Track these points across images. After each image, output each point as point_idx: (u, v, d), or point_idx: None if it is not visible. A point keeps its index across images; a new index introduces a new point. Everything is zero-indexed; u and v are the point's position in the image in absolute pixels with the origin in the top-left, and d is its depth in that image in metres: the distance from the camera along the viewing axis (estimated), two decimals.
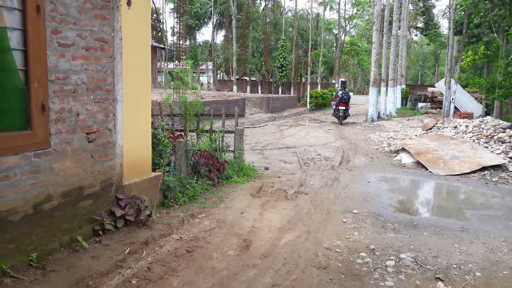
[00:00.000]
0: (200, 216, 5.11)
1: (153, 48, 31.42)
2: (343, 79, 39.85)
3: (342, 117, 18.50)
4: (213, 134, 7.54)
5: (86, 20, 3.96)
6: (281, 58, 35.98)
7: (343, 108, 18.22)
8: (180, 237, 4.37)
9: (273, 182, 7.19)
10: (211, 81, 44.43)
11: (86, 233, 4.08)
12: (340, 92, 18.29)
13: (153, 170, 5.30)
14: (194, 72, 39.87)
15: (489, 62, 22.40)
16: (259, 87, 39.38)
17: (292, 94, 33.50)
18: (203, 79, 53.04)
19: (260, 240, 4.44)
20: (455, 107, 20.86)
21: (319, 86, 35.74)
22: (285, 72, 36.97)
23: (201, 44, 50.20)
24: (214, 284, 3.44)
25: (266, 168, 8.49)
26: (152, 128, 5.54)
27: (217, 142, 7.33)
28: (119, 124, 4.48)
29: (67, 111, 3.82)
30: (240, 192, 6.39)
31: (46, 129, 3.62)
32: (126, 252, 3.91)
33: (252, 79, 43.14)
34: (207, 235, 4.50)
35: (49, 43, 3.58)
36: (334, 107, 18.85)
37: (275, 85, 39.44)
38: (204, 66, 50.51)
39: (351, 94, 16.40)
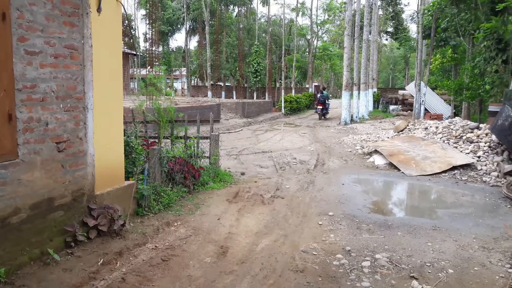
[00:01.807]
0: (175, 224, 5.06)
1: (125, 55, 30.99)
2: (316, 84, 40.44)
3: (320, 114, 23.79)
4: (188, 140, 7.49)
5: (54, 27, 3.87)
6: (255, 63, 36.11)
7: (321, 107, 23.67)
8: (155, 246, 4.31)
9: (249, 187, 7.19)
10: (185, 87, 44.17)
11: (57, 246, 3.96)
12: (319, 95, 24.24)
13: (127, 178, 5.21)
14: (167, 78, 39.52)
15: (456, 65, 23.12)
16: (234, 92, 39.38)
17: (267, 99, 33.66)
18: (177, 85, 52.66)
19: (237, 246, 4.42)
20: (425, 109, 21.40)
21: (293, 91, 36.06)
22: (259, 77, 37.11)
23: (174, 50, 49.82)
24: None
25: (243, 173, 8.49)
26: (125, 135, 5.46)
27: (192, 148, 7.28)
28: (90, 133, 4.39)
29: (35, 120, 3.72)
30: (217, 198, 6.36)
31: (13, 140, 3.51)
32: (99, 264, 3.82)
33: (226, 84, 43.11)
34: (183, 243, 4.45)
35: (16, 51, 3.49)
36: (315, 107, 25.12)
37: (250, 90, 39.53)
38: (177, 72, 50.16)
39: (330, 95, 19.05)
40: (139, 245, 4.33)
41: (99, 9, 4.42)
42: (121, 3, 4.87)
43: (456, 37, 20.04)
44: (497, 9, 12.26)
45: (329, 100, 24.51)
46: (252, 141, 14.14)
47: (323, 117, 23.79)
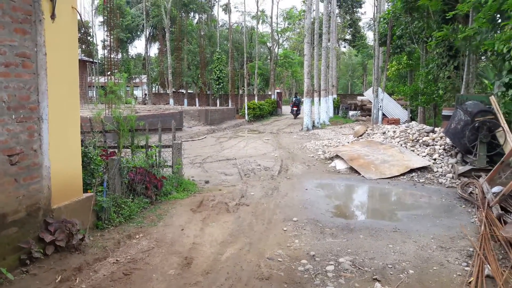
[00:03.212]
0: (137, 236, 4.93)
1: (83, 62, 30.11)
2: (278, 91, 40.94)
3: (294, 114, 29.66)
4: (149, 150, 7.34)
5: (5, 35, 3.71)
6: (217, 70, 36.11)
7: (295, 109, 29.65)
8: (117, 260, 4.17)
9: (214, 195, 7.13)
10: (146, 94, 43.40)
11: (11, 264, 3.76)
12: (294, 99, 30.80)
13: (85, 190, 5.04)
14: (127, 86, 38.67)
15: (412, 71, 24.09)
16: (197, 99, 39.13)
17: (230, 106, 33.66)
18: (138, 92, 51.69)
19: (201, 257, 4.36)
20: (383, 114, 22.13)
21: (256, 98, 36.22)
22: (222, 84, 37.13)
23: (134, 57, 48.94)
24: None
25: (207, 182, 8.41)
26: (82, 146, 5.28)
27: (154, 157, 7.14)
28: (45, 144, 4.22)
29: None
30: (180, 208, 6.26)
31: None
32: (57, 281, 3.65)
33: (189, 91, 42.78)
34: (146, 256, 4.34)
35: None
36: (291, 108, 30.85)
37: (212, 97, 39.42)
38: (138, 80, 49.25)
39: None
40: (100, 259, 4.18)
41: (53, 16, 4.27)
42: (76, 10, 4.73)
43: (411, 44, 20.91)
44: (447, 18, 12.91)
45: (301, 104, 28.39)
46: (216, 149, 14.07)
47: (296, 117, 29.39)
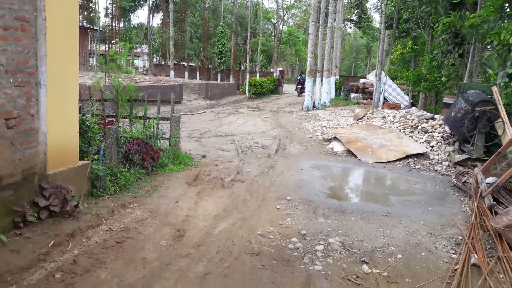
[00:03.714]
0: (131, 206, 4.98)
1: (85, 29, 29.70)
2: (281, 69, 40.55)
3: (299, 91, 31.78)
4: (148, 121, 7.33)
5: None
6: (220, 44, 35.65)
7: (300, 86, 31.65)
8: (110, 228, 4.23)
9: (210, 170, 7.17)
10: (147, 65, 43.01)
11: (5, 226, 3.80)
12: (299, 77, 33.37)
13: (82, 158, 5.05)
14: (128, 56, 38.24)
15: (416, 56, 23.87)
16: (198, 73, 38.81)
17: (231, 82, 33.42)
18: (138, 62, 51.19)
19: (194, 229, 4.42)
20: (385, 98, 22.03)
21: (257, 75, 35.96)
22: (224, 59, 36.72)
23: (136, 26, 48.19)
24: (145, 275, 3.38)
25: (204, 156, 8.44)
26: (80, 113, 5.27)
27: (152, 129, 7.13)
28: (42, 110, 4.20)
29: None
30: (176, 181, 6.31)
31: None
32: (50, 245, 3.71)
33: (190, 64, 42.38)
34: (139, 225, 4.39)
35: None
36: (296, 86, 33.88)
37: (214, 71, 39.07)
38: (139, 50, 48.69)
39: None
40: (93, 226, 4.24)
41: None
42: None
43: (417, 29, 20.65)
44: (455, 3, 12.70)
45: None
46: (215, 124, 14.06)
47: (301, 94, 30.81)
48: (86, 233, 4.07)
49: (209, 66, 40.52)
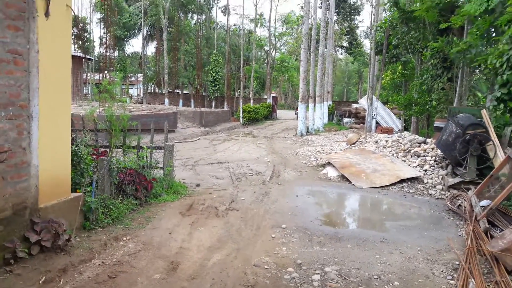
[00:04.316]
0: (124, 238, 4.89)
1: (79, 59, 29.96)
2: (274, 95, 40.89)
3: (297, 116, 28.26)
4: (141, 150, 7.30)
5: None
6: (213, 72, 36.10)
7: (298, 111, 28.22)
8: (102, 262, 4.14)
9: (204, 199, 7.11)
10: (141, 93, 43.28)
11: None
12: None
13: (74, 190, 5.00)
14: (123, 84, 38.54)
15: (406, 81, 24.20)
16: (192, 100, 39.08)
17: (225, 109, 33.67)
18: (133, 91, 51.52)
19: (188, 261, 4.34)
20: (377, 123, 22.24)
21: (251, 101, 36.30)
22: (218, 86, 37.12)
23: (131, 55, 48.77)
24: None
25: (198, 185, 8.39)
26: (73, 144, 5.24)
27: (145, 158, 7.10)
28: (34, 143, 4.18)
29: None
30: (169, 211, 6.23)
31: None
32: (41, 282, 3.62)
33: (184, 92, 42.75)
34: (132, 258, 4.31)
35: None
36: (295, 111, 34.97)
37: (208, 99, 39.39)
38: (133, 78, 49.10)
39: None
40: (85, 261, 4.15)
41: (47, 14, 4.25)
42: (71, 8, 4.70)
43: (406, 54, 21.03)
44: (440, 28, 13.00)
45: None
46: (209, 151, 14.05)
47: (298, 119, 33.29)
48: (78, 268, 3.98)
49: (204, 94, 40.86)
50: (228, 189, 8.14)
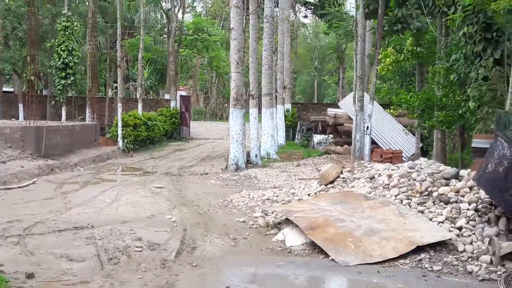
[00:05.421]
0: None
1: None
2: (183, 93, 40.85)
3: None
4: None
5: None
6: (63, 51, 35.50)
7: None
8: None
9: None
10: None
11: None
12: None
13: None
14: None
15: (422, 66, 24.99)
16: (20, 106, 38.13)
17: (88, 121, 33.18)
18: None
19: None
20: (373, 142, 22.66)
21: (140, 105, 35.97)
22: (73, 77, 36.48)
23: None
24: None
25: (30, 276, 8.10)
26: None
27: None
28: None
29: None
30: None
31: None
32: None
33: (5, 90, 41.63)
34: None
35: None
36: None
37: (54, 102, 38.61)
38: None
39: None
40: None
41: None
42: None
43: (420, 16, 21.71)
44: None
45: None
46: (56, 206, 13.73)
47: None
48: None
49: (44, 93, 40.04)
50: (91, 281, 7.95)
